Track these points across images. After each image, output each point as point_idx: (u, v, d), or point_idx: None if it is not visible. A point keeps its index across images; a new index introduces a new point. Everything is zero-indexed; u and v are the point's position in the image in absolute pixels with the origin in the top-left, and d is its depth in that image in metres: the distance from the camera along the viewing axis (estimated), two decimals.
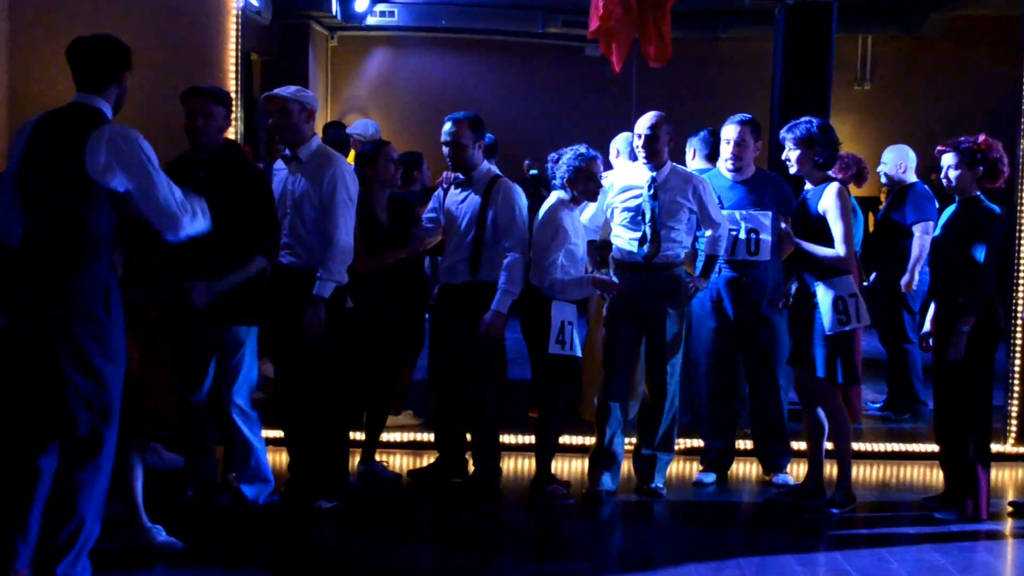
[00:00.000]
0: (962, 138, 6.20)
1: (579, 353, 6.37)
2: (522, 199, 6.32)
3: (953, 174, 6.18)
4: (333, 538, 5.75)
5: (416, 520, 6.19)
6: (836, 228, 6.18)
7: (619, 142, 7.65)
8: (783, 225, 6.34)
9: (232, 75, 7.24)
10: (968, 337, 6.07)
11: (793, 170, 6.33)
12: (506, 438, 7.02)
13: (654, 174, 6.40)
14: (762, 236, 6.61)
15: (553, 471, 6.60)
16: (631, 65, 8.69)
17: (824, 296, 6.19)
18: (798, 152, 6.26)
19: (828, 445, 6.42)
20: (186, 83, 7.26)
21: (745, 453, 7.15)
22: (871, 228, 8.95)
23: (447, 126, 6.28)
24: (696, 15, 13.98)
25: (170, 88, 7.29)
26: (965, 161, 6.12)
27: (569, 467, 7.03)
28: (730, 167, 6.71)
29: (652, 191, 6.36)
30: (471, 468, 6.59)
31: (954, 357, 6.10)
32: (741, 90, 12.78)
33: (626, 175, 6.56)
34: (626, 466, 6.67)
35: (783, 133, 6.33)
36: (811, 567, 5.58)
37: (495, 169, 6.40)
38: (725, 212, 6.59)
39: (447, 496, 6.46)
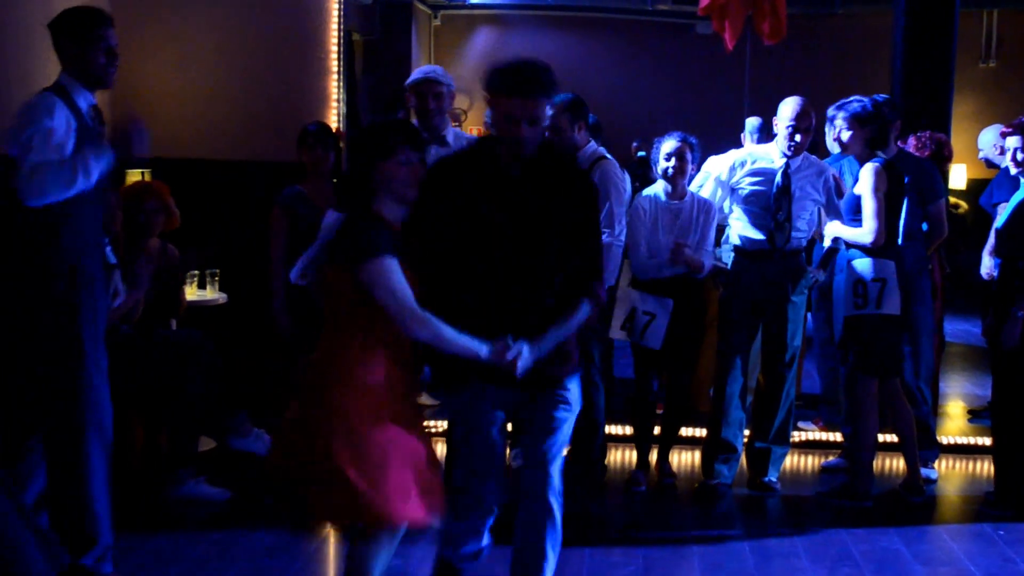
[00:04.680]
0: None
1: (655, 346, 6.19)
2: (620, 179, 6.12)
3: (1021, 156, 5.98)
4: None
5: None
6: (866, 207, 5.98)
7: (748, 126, 7.49)
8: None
9: (334, 55, 7.23)
10: None
11: (838, 148, 6.22)
12: (611, 429, 6.90)
13: (788, 161, 6.16)
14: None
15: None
16: (744, 43, 8.49)
17: (848, 276, 6.05)
18: (854, 131, 6.08)
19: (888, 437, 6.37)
20: (289, 63, 7.26)
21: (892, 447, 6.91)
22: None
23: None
24: None
25: (273, 68, 7.29)
26: None
27: (680, 459, 6.86)
28: None
29: (785, 180, 6.14)
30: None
31: (1007, 344, 5.91)
32: (859, 68, 12.47)
33: (756, 159, 6.30)
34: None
35: (835, 111, 6.17)
36: (933, 567, 5.38)
37: (602, 150, 6.22)
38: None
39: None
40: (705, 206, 6.26)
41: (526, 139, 3.98)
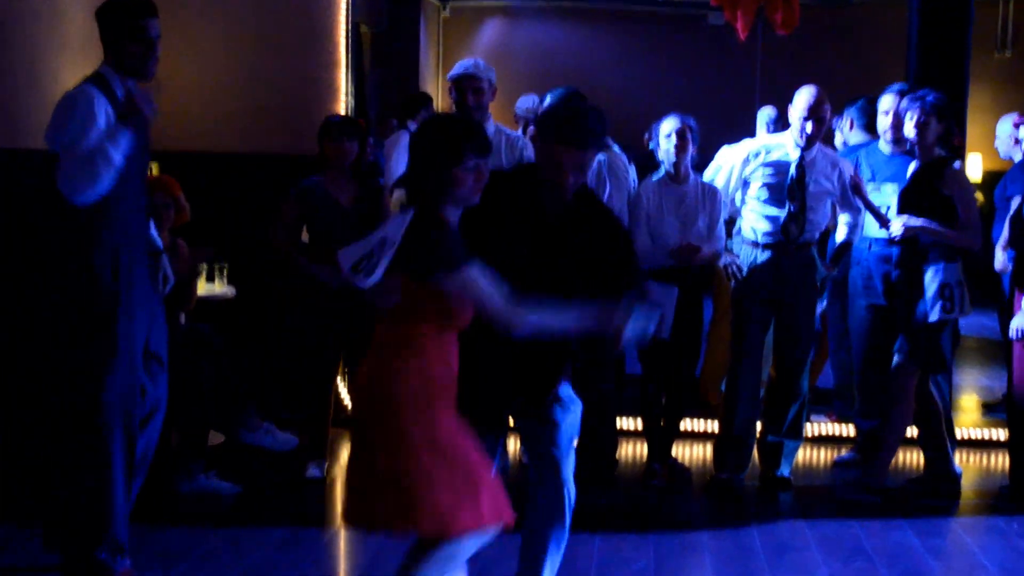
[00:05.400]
0: None
1: (664, 336, 6.01)
2: (622, 169, 6.11)
3: None
4: None
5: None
6: (969, 209, 5.90)
7: (762, 116, 7.46)
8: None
9: (342, 47, 7.20)
10: None
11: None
12: (622, 423, 6.90)
13: (803, 152, 6.11)
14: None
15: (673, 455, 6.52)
16: (756, 33, 8.42)
17: (932, 280, 5.94)
18: (931, 124, 5.92)
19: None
20: (297, 56, 7.24)
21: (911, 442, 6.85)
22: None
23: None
24: None
25: (281, 60, 7.26)
26: None
27: (692, 452, 6.82)
28: (889, 139, 6.40)
29: (799, 171, 6.09)
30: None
31: (1014, 335, 5.93)
32: (873, 58, 12.41)
33: (771, 149, 6.24)
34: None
35: (909, 102, 5.99)
36: (945, 561, 5.37)
37: (606, 140, 6.18)
38: (871, 186, 6.30)
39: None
40: (710, 190, 6.23)
41: (570, 187, 3.98)
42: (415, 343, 3.66)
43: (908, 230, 5.94)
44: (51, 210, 4.47)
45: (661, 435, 6.50)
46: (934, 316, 5.94)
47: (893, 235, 6.00)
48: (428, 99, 8.37)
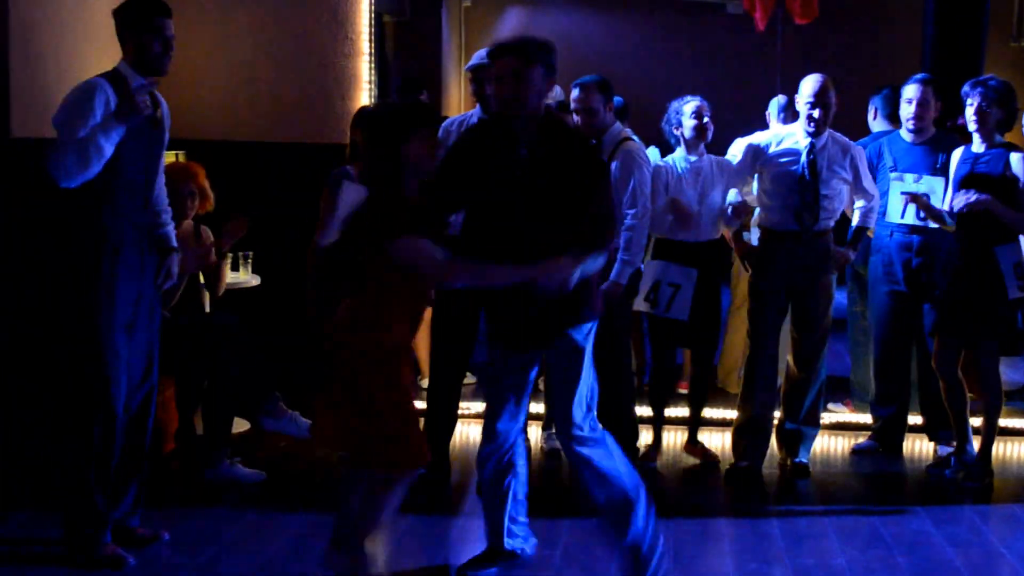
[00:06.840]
0: None
1: (683, 317, 6.19)
2: (645, 159, 6.12)
3: None
4: None
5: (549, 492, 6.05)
6: None
7: (773, 105, 7.48)
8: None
9: (366, 37, 7.19)
10: None
11: (973, 127, 6.03)
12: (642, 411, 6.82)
13: (813, 140, 6.13)
14: (933, 201, 6.28)
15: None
16: (776, 22, 8.42)
17: (1006, 259, 5.96)
18: (993, 110, 5.96)
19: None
20: (321, 45, 7.25)
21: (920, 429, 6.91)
22: None
23: (575, 92, 6.09)
24: None
25: (305, 49, 7.28)
26: None
27: (710, 440, 6.82)
28: (911, 128, 6.42)
29: (811, 158, 6.11)
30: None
31: None
32: (890, 47, 12.38)
33: (782, 138, 6.26)
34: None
35: (970, 88, 6.00)
36: (963, 549, 5.34)
37: (627, 131, 6.22)
38: (893, 175, 6.37)
39: None
40: (725, 164, 6.34)
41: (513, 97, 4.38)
42: (374, 307, 4.20)
43: (974, 204, 5.91)
44: (55, 194, 4.59)
45: (689, 423, 6.58)
46: (1012, 294, 5.97)
47: (955, 208, 5.99)
48: (419, 85, 8.40)
